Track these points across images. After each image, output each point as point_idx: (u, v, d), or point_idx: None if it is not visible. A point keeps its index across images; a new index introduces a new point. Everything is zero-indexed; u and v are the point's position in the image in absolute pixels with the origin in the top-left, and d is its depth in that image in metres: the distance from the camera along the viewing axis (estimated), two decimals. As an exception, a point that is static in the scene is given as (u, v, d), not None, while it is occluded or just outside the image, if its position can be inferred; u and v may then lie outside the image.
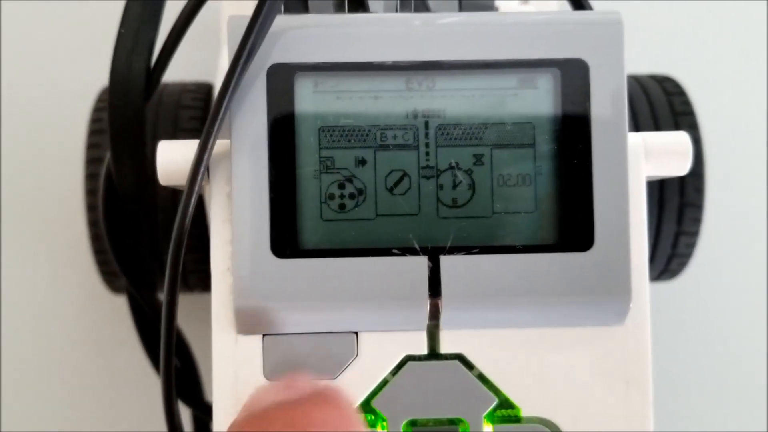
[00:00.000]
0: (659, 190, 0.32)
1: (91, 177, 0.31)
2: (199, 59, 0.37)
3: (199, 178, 0.21)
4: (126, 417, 0.37)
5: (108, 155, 0.26)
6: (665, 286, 0.38)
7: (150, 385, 0.36)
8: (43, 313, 0.38)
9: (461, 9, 0.29)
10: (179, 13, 0.25)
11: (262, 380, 0.22)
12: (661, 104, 0.33)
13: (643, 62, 0.38)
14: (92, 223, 0.32)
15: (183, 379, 0.29)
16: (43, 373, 0.38)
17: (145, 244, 0.27)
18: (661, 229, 0.33)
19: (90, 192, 0.31)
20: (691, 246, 0.33)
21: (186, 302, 0.32)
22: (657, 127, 0.32)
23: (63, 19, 0.42)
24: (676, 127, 0.32)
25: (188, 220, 0.21)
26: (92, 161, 0.32)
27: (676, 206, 0.32)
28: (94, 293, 0.38)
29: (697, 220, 0.32)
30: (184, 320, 0.28)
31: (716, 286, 0.39)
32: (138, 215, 0.26)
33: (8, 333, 0.38)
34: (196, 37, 0.29)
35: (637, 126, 0.33)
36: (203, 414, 0.29)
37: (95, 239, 0.32)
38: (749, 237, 0.40)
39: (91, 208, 0.32)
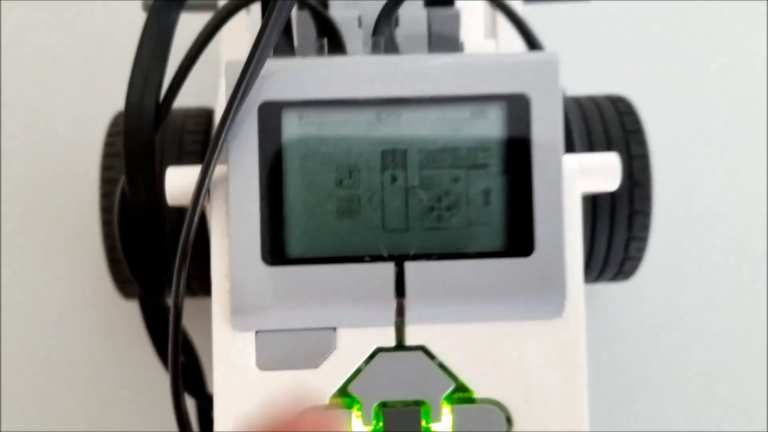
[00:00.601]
0: (611, 200, 0.36)
1: (106, 195, 0.35)
2: (201, 84, 0.41)
3: (201, 198, 0.25)
4: (138, 409, 0.41)
5: (123, 177, 0.29)
6: (622, 286, 0.42)
7: (159, 380, 0.40)
8: (62, 317, 0.42)
9: (430, 45, 0.33)
10: (184, 55, 0.29)
11: (255, 371, 0.26)
12: (613, 123, 0.37)
13: (601, 83, 0.42)
14: (107, 236, 0.36)
15: (188, 374, 0.33)
16: (63, 369, 0.42)
17: (155, 255, 0.31)
18: (613, 235, 0.37)
19: (105, 209, 0.35)
20: (641, 250, 0.37)
21: (191, 306, 0.36)
22: (609, 144, 0.36)
23: (80, 46, 0.47)
24: (627, 144, 0.36)
25: (192, 234, 0.25)
26: (107, 181, 0.36)
27: (627, 214, 0.36)
28: (109, 299, 0.42)
29: (646, 227, 0.36)
30: (189, 322, 0.32)
31: (667, 285, 0.43)
32: (149, 229, 0.30)
33: (30, 336, 0.42)
34: (198, 63, 0.33)
35: (591, 143, 0.36)
36: (206, 403, 0.33)
37: (110, 250, 0.36)
38: (696, 240, 0.44)
39: (106, 222, 0.36)
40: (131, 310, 0.41)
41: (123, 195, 0.30)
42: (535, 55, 0.26)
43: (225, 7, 0.29)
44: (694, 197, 0.44)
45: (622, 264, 0.37)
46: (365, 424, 0.26)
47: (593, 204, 0.36)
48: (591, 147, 0.36)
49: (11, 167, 0.44)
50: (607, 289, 0.43)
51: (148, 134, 0.28)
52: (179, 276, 0.25)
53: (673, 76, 0.46)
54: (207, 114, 0.38)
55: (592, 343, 0.41)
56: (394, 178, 0.26)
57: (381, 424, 0.26)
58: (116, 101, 0.39)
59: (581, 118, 0.37)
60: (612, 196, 0.36)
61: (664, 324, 0.42)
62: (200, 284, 0.36)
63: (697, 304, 0.43)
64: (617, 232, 0.36)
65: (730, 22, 0.47)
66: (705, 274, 0.43)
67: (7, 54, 0.46)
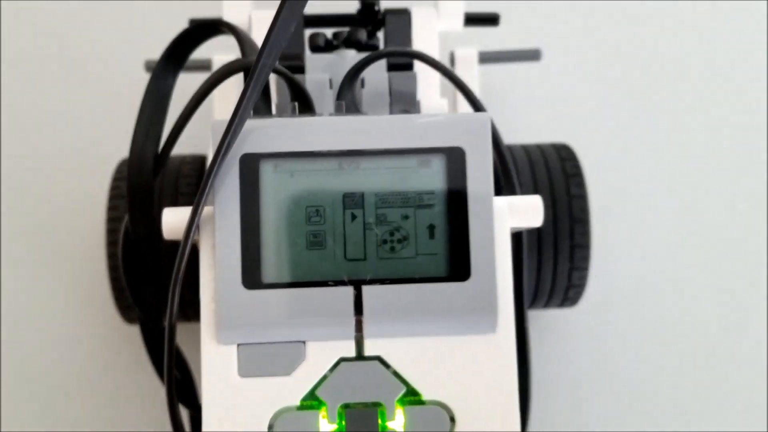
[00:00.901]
0: (554, 235, 0.41)
1: (111, 231, 0.40)
2: (196, 134, 0.46)
3: (192, 234, 0.30)
4: (138, 419, 0.46)
5: (126, 216, 0.35)
6: (569, 311, 0.47)
7: (157, 393, 0.45)
8: (69, 341, 0.47)
9: (391, 103, 0.38)
10: (182, 111, 0.34)
11: (237, 378, 0.31)
12: (556, 169, 0.42)
13: (550, 132, 0.48)
14: (112, 268, 0.41)
15: (182, 387, 0.38)
16: (70, 386, 0.47)
17: (153, 283, 0.36)
18: (557, 266, 0.41)
19: (111, 243, 0.40)
20: (583, 278, 0.42)
21: (185, 330, 0.41)
22: (552, 185, 0.41)
23: (89, 101, 0.52)
24: (567, 185, 0.41)
25: (183, 263, 0.30)
26: (112, 219, 0.41)
27: (569, 247, 0.41)
28: (112, 324, 0.47)
29: (586, 258, 0.41)
30: (184, 343, 0.37)
31: (610, 309, 0.48)
32: (148, 260, 0.35)
33: (39, 358, 0.47)
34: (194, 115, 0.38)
35: (536, 185, 0.41)
36: (198, 413, 0.38)
37: (114, 279, 0.41)
38: (635, 269, 0.49)
39: (111, 256, 0.41)
40: (132, 333, 0.46)
41: (126, 231, 0.35)
42: (471, 115, 0.32)
43: (217, 72, 0.34)
44: (631, 231, 0.49)
45: (567, 291, 0.42)
46: (330, 422, 0.30)
47: (539, 239, 0.41)
48: (536, 188, 0.41)
49: (28, 208, 0.50)
50: (557, 314, 0.48)
51: (148, 180, 0.34)
52: (172, 299, 0.30)
53: (613, 126, 0.51)
54: (200, 160, 0.43)
55: (547, 363, 0.46)
56: (353, 216, 0.31)
57: (344, 423, 0.30)
58: (121, 150, 0.45)
59: (528, 163, 0.42)
60: (555, 231, 0.41)
61: (607, 346, 0.47)
62: (193, 310, 0.41)
63: (638, 326, 0.48)
64: (561, 263, 0.41)
65: (657, 81, 0.53)
66: (642, 300, 0.48)
67: (30, 108, 0.52)
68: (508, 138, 0.42)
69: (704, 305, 0.48)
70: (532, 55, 0.46)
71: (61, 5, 0.54)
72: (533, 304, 0.43)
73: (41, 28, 0.54)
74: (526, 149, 0.43)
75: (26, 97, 0.52)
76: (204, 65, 0.45)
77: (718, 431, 0.46)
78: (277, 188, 0.31)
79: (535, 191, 0.41)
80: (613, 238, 0.49)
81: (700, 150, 0.51)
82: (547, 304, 0.44)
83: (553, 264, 0.41)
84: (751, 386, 0.47)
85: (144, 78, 0.42)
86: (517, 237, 0.36)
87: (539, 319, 0.48)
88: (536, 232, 0.41)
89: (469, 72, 0.44)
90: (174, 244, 0.31)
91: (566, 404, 0.46)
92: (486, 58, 0.45)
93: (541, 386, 0.46)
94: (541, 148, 0.43)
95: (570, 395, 0.46)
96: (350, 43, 0.40)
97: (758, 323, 0.48)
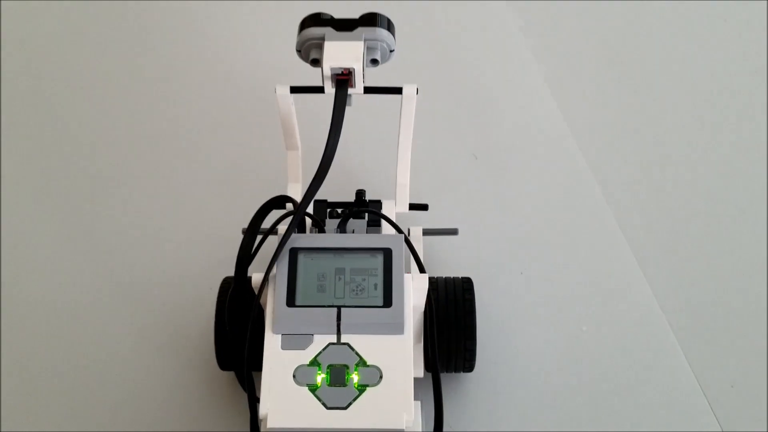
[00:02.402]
0: (456, 328, 0.74)
1: (220, 304, 0.76)
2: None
3: (265, 287, 0.65)
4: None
5: (227, 298, 0.70)
6: (467, 375, 0.79)
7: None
8: (177, 388, 0.80)
9: (368, 225, 0.75)
10: (263, 235, 0.71)
11: (280, 350, 0.64)
12: (459, 295, 0.75)
13: (463, 267, 0.83)
14: (218, 336, 0.75)
15: None
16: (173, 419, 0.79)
17: (245, 340, 0.69)
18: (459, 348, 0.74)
19: (219, 312, 0.75)
20: (471, 360, 0.75)
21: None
22: (455, 308, 0.74)
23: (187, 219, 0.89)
24: (464, 307, 0.75)
25: (258, 306, 0.65)
26: (221, 304, 0.76)
27: (464, 344, 0.74)
28: (209, 371, 0.80)
29: (472, 350, 0.74)
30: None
31: (500, 378, 0.80)
32: (243, 325, 0.69)
33: (157, 402, 0.80)
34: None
35: (438, 309, 0.74)
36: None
37: (219, 337, 0.75)
38: (512, 351, 0.81)
39: (219, 317, 0.75)
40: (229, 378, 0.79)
41: (230, 288, 0.70)
42: (395, 235, 0.68)
43: (284, 214, 0.71)
44: (506, 316, 0.82)
45: (464, 364, 0.75)
46: (320, 373, 0.63)
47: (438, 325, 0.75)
48: (437, 312, 0.74)
49: (160, 303, 0.85)
50: (460, 377, 0.79)
51: (246, 264, 0.69)
52: (250, 351, 0.66)
53: (504, 260, 0.86)
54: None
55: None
56: (339, 278, 0.66)
57: (329, 375, 0.63)
58: (226, 272, 0.80)
59: (444, 284, 0.77)
60: (456, 324, 0.74)
61: (500, 408, 0.78)
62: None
63: (524, 392, 0.80)
64: (456, 340, 0.75)
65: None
66: (531, 377, 0.80)
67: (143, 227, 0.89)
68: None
69: (594, 366, 0.79)
70: (452, 231, 0.82)
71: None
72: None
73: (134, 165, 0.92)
74: (442, 279, 0.78)
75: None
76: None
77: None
78: (305, 264, 0.67)
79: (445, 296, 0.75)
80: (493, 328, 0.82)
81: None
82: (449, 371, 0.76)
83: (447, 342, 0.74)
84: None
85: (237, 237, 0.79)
86: (429, 309, 0.70)
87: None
88: (439, 327, 0.74)
89: (415, 234, 0.81)
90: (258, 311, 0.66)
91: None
92: (425, 232, 0.82)
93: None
94: (448, 281, 0.77)
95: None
96: (350, 213, 0.78)
97: (657, 380, 0.77)
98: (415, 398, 0.62)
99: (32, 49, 1.03)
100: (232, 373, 0.77)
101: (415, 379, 0.63)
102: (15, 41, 1.04)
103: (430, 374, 0.66)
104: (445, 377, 0.76)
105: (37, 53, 1.03)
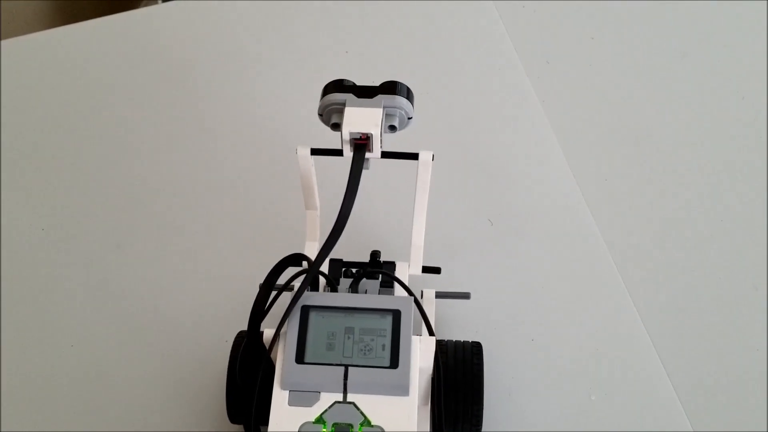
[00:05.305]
0: (463, 391, 0.75)
1: (233, 358, 0.77)
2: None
3: (277, 342, 0.67)
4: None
5: (240, 352, 0.72)
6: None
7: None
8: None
9: (381, 286, 0.76)
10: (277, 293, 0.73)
11: (287, 406, 0.66)
12: (468, 359, 0.77)
13: (474, 330, 0.84)
14: (230, 390, 0.77)
15: None
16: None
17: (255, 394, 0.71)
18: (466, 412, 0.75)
19: (231, 365, 0.77)
20: (478, 425, 0.76)
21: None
22: (464, 371, 0.76)
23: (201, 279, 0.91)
24: (472, 371, 0.76)
25: (272, 354, 0.67)
26: (234, 357, 0.78)
27: (471, 408, 0.75)
28: (220, 423, 0.81)
29: (479, 414, 0.75)
30: None
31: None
32: (253, 379, 0.71)
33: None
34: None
35: (446, 372, 0.76)
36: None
37: (230, 390, 0.77)
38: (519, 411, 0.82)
39: (231, 370, 0.77)
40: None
41: (243, 342, 0.72)
42: (404, 297, 0.70)
43: (299, 272, 0.73)
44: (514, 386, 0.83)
45: (471, 427, 0.76)
46: (324, 430, 0.64)
47: (446, 389, 0.75)
48: (445, 377, 0.75)
49: (182, 356, 0.87)
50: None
51: (259, 319, 0.71)
52: (258, 406, 0.67)
53: (510, 322, 0.87)
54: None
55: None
56: (348, 337, 0.68)
57: (333, 432, 0.65)
58: (241, 325, 0.82)
59: (453, 347, 0.78)
60: (464, 388, 0.75)
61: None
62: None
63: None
64: (464, 404, 0.75)
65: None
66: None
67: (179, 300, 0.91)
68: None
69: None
70: (464, 295, 0.84)
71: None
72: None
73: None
74: (451, 342, 0.79)
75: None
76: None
77: None
78: (315, 322, 0.68)
79: (454, 361, 0.76)
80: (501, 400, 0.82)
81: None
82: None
83: (455, 407, 0.75)
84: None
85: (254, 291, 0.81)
86: (437, 371, 0.71)
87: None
88: (448, 385, 0.75)
89: (428, 296, 0.82)
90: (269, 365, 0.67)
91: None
92: (438, 295, 0.83)
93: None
94: (457, 344, 0.79)
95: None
96: (363, 273, 0.79)
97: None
98: None
99: (55, 104, 1.08)
100: (242, 427, 0.78)
101: (421, 442, 0.64)
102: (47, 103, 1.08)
103: (435, 437, 0.67)
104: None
105: (72, 106, 1.07)
